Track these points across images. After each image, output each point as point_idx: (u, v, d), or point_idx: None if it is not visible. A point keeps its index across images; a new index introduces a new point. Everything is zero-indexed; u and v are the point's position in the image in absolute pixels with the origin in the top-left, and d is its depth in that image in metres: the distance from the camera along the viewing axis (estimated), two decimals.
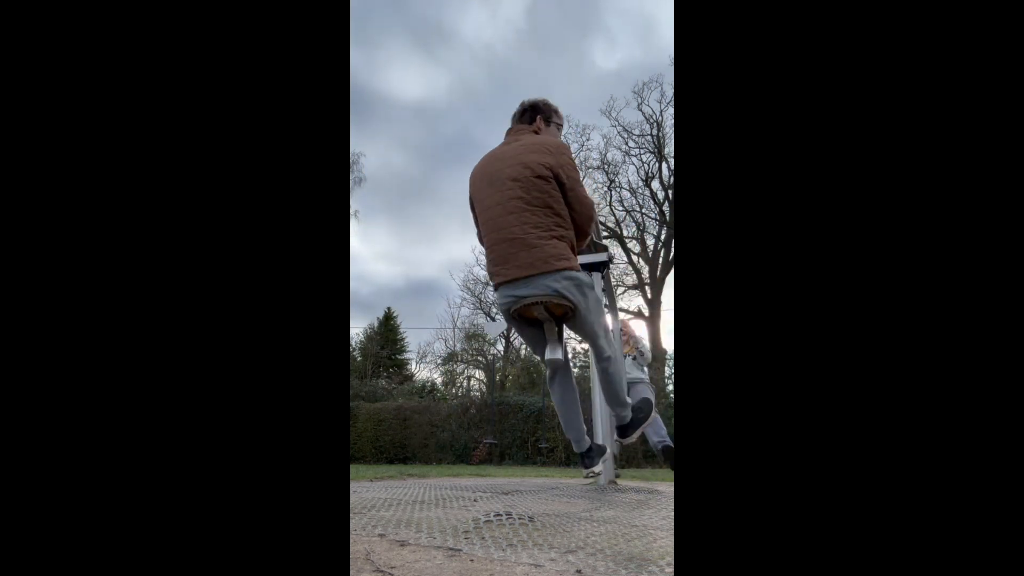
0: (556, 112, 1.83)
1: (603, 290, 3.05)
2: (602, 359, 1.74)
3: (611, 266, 3.22)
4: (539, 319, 1.67)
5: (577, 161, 14.80)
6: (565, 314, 1.65)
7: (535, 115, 1.80)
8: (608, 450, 2.84)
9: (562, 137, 1.86)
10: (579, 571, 0.85)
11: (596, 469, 1.86)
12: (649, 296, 13.49)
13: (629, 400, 1.84)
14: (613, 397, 1.81)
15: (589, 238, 1.76)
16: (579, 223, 1.65)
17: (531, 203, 1.56)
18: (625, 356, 3.43)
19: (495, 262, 1.64)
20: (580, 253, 3.01)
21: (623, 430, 1.86)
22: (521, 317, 1.68)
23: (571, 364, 1.88)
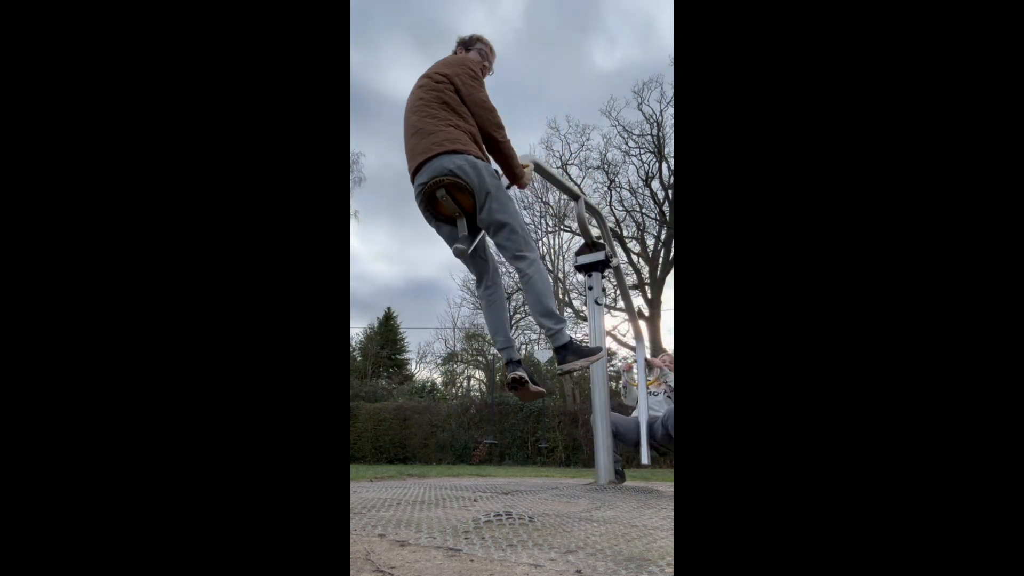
0: (479, 40, 2.03)
1: (603, 290, 3.04)
2: (516, 258, 1.73)
3: (612, 264, 3.11)
4: (452, 215, 1.74)
5: (577, 160, 14.85)
6: (475, 207, 1.71)
7: (458, 47, 2.04)
8: (610, 450, 2.84)
9: (491, 65, 2.04)
10: (579, 571, 0.85)
11: (519, 373, 1.83)
12: (649, 296, 13.49)
13: (560, 313, 1.76)
14: (537, 305, 1.74)
15: (513, 158, 1.86)
16: (482, 125, 1.76)
17: (430, 102, 1.74)
18: (650, 392, 2.98)
19: (408, 159, 1.76)
20: (580, 251, 3.03)
21: (560, 353, 1.74)
22: (437, 213, 1.77)
23: (497, 271, 1.93)
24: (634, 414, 3.04)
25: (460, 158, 1.64)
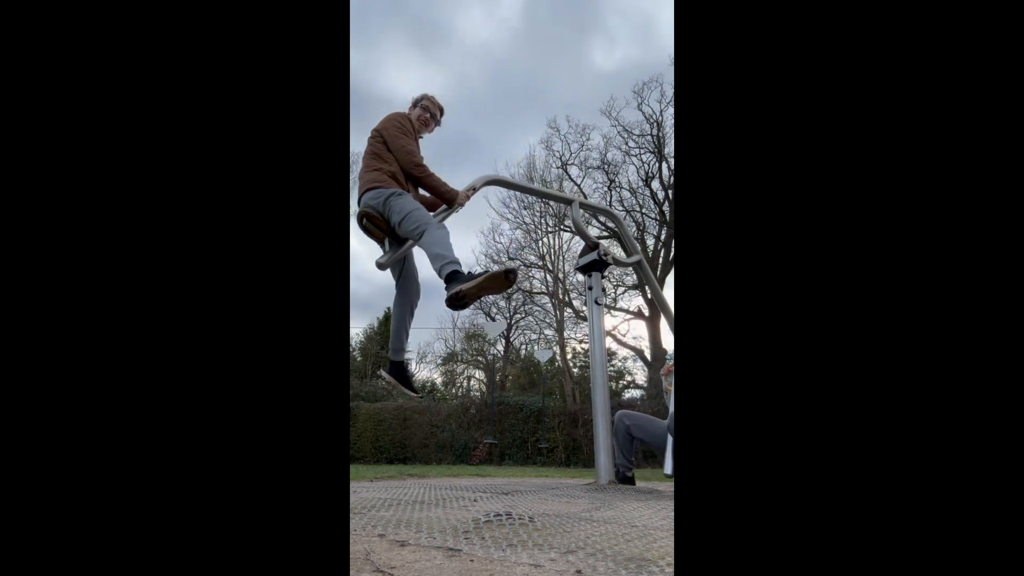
0: (424, 98, 2.46)
1: (603, 290, 3.04)
2: (418, 236, 2.03)
3: (612, 264, 3.07)
4: (380, 238, 2.18)
5: (577, 160, 14.88)
6: (393, 227, 2.11)
7: (410, 105, 2.48)
8: (610, 450, 2.83)
9: (438, 116, 2.47)
10: (579, 571, 0.85)
11: (388, 376, 2.31)
12: (649, 296, 13.49)
13: (454, 256, 1.97)
14: (429, 256, 2.01)
15: (439, 187, 2.26)
16: (403, 165, 2.19)
17: (368, 155, 2.23)
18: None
19: None
20: (583, 253, 3.03)
21: (448, 284, 1.92)
22: (375, 239, 2.22)
23: (411, 284, 2.33)
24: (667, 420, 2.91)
25: (372, 192, 2.10)
